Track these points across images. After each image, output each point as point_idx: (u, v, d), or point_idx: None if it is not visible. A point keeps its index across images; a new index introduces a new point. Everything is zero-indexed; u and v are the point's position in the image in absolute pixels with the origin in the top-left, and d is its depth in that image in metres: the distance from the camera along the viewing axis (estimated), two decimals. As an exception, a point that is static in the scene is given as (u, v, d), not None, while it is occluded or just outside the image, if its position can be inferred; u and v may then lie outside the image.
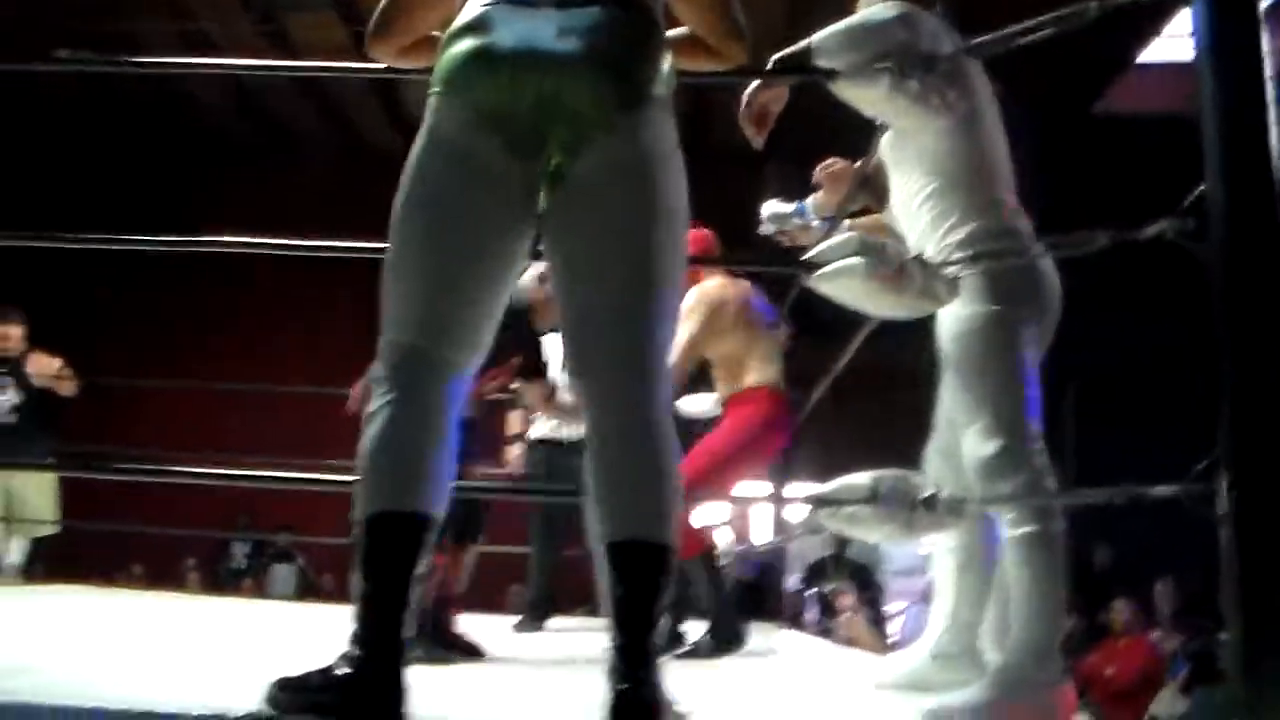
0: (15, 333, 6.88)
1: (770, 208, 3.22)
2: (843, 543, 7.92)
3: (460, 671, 3.11)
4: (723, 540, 6.44)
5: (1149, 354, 8.46)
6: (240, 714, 1.78)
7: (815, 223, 3.17)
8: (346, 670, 1.75)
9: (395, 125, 9.12)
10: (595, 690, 1.71)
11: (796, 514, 8.07)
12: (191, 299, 8.89)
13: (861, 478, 2.49)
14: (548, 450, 5.59)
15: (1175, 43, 8.44)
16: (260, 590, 9.44)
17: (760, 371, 4.04)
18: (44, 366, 6.90)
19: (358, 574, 1.80)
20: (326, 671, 1.78)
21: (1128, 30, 8.19)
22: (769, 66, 2.57)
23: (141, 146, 9.80)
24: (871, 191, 2.98)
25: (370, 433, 1.85)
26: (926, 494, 2.46)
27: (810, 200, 3.17)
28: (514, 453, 5.89)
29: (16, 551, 6.83)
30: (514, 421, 5.93)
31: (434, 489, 1.85)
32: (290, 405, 6.88)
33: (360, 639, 1.77)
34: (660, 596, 1.79)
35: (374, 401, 1.87)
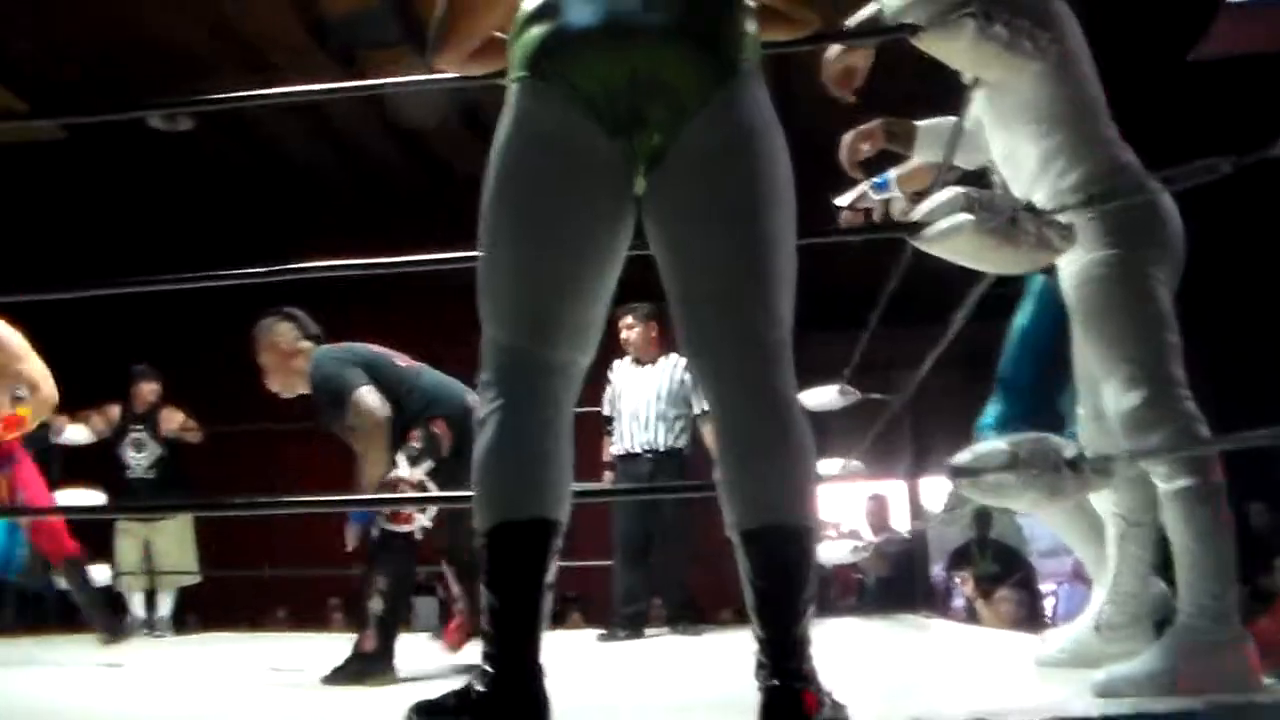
0: (151, 388, 7.13)
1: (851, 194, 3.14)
2: (985, 526, 7.73)
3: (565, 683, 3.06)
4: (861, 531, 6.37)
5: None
6: None
7: (898, 194, 3.08)
8: (481, 688, 1.69)
9: (484, 151, 9.18)
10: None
11: (934, 501, 7.96)
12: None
13: (999, 443, 2.37)
14: (623, 464, 5.85)
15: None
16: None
17: None
18: (171, 420, 7.13)
19: (484, 588, 1.74)
20: (463, 691, 1.72)
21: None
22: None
23: (238, 202, 10.00)
24: (897, 138, 2.90)
25: (484, 440, 1.79)
26: (1070, 454, 2.32)
27: (893, 171, 3.07)
28: (608, 477, 6.01)
29: (165, 605, 7.04)
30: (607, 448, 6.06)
31: (555, 492, 1.78)
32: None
33: (493, 655, 1.71)
34: (806, 584, 1.70)
35: (483, 408, 1.81)
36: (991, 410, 2.94)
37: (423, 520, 3.64)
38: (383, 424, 3.70)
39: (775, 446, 1.74)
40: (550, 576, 1.75)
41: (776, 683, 1.65)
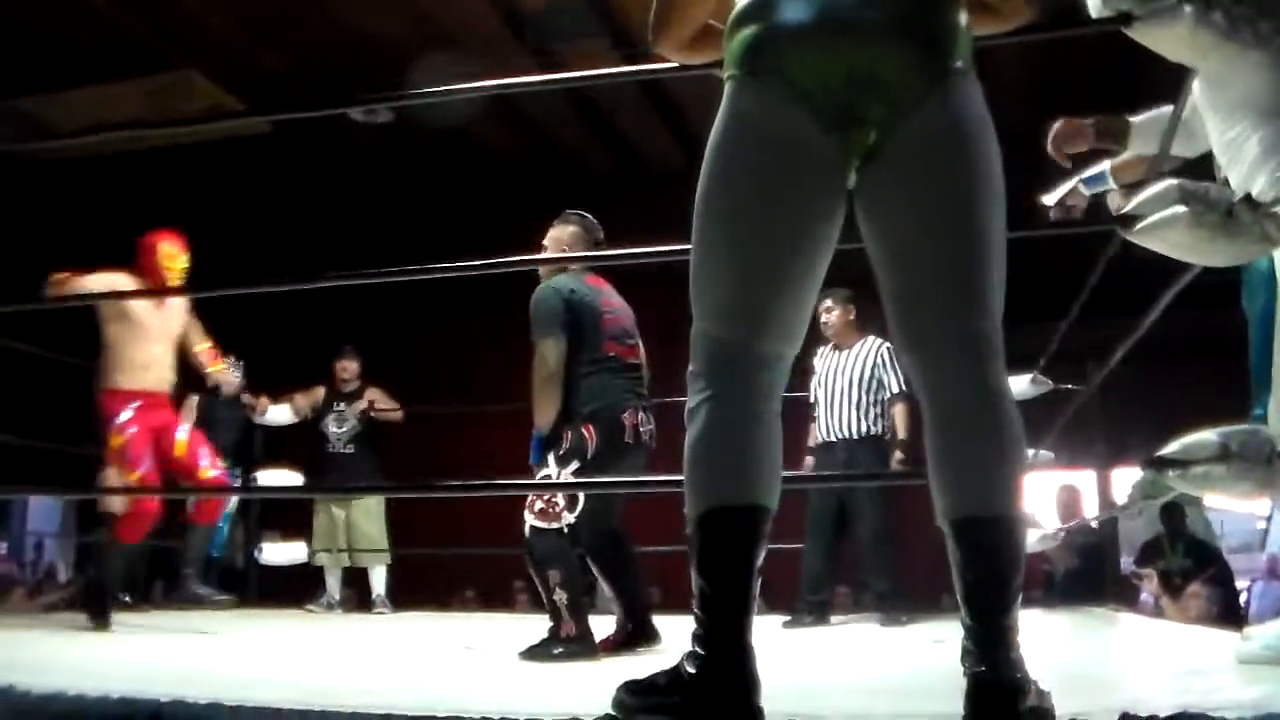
0: (353, 367, 7.45)
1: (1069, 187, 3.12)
2: (1176, 520, 7.52)
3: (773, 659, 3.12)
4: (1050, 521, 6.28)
5: None
6: (591, 718, 1.79)
7: (1113, 187, 3.05)
8: (692, 670, 1.73)
9: (677, 142, 9.23)
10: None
11: (1123, 493, 7.77)
12: (498, 330, 9.21)
13: (1209, 435, 2.34)
14: (821, 452, 5.93)
15: None
16: (593, 608, 9.51)
17: None
18: (373, 398, 7.42)
19: (695, 572, 1.78)
20: (673, 672, 1.77)
21: None
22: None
23: (441, 194, 10.23)
24: (1108, 135, 2.86)
25: (695, 430, 1.83)
26: (1283, 447, 2.29)
27: (1107, 163, 3.04)
28: (808, 462, 6.08)
29: (379, 583, 7.30)
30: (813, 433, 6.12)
31: (766, 480, 1.81)
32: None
33: (704, 638, 1.75)
34: (1015, 573, 1.72)
35: (693, 398, 1.85)
36: (1259, 406, 2.88)
37: (569, 517, 3.77)
38: (553, 378, 3.89)
39: (987, 440, 1.76)
40: (760, 561, 1.79)
41: (984, 669, 1.66)
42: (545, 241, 4.26)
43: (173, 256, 5.27)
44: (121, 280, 5.02)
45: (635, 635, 3.91)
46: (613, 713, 1.78)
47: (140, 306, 5.14)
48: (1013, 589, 1.72)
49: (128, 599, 6.69)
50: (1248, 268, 2.89)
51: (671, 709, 1.72)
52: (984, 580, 1.72)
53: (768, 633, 4.44)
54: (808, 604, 5.75)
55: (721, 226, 1.84)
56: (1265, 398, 2.82)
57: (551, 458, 3.83)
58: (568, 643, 3.64)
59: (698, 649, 1.75)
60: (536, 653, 3.59)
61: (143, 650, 3.87)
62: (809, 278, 1.86)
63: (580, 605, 3.73)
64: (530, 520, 3.78)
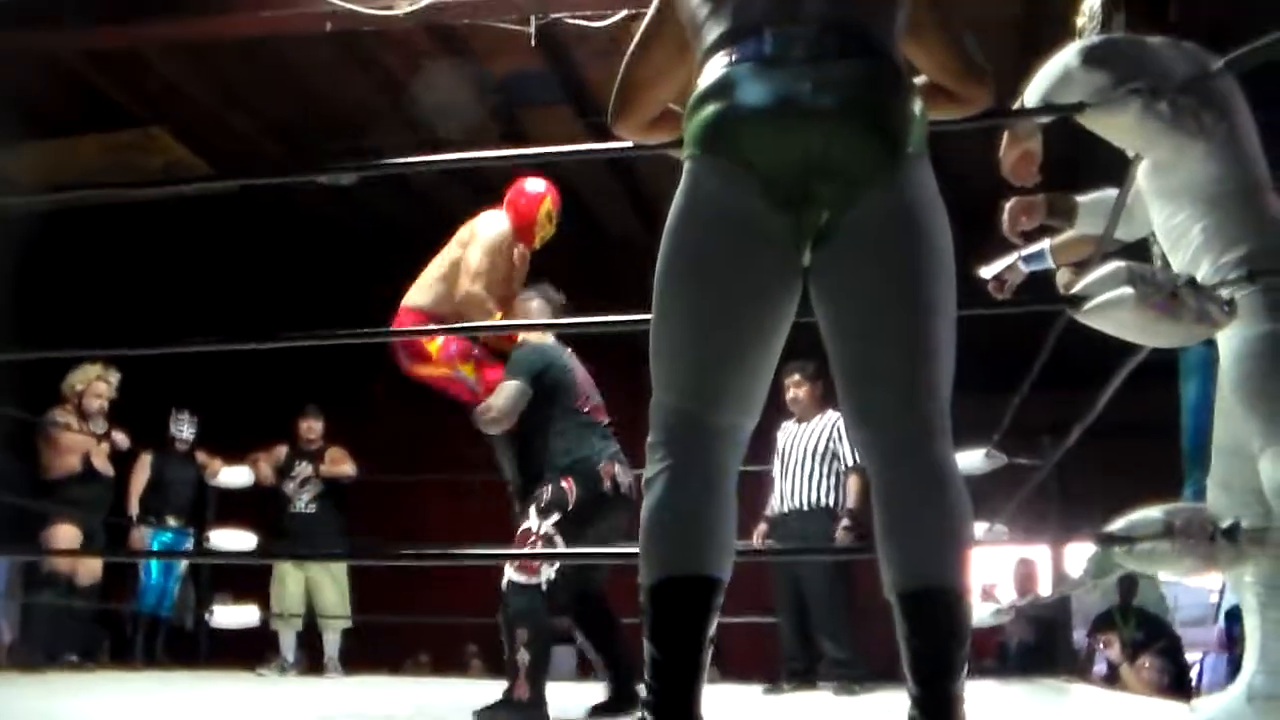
0: (318, 427, 7.38)
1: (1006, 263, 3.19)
2: (1128, 593, 7.61)
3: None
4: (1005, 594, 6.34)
5: None
6: None
7: (1051, 265, 3.13)
8: None
9: (636, 211, 9.31)
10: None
11: (1076, 567, 7.84)
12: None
13: (1153, 512, 2.39)
14: (778, 522, 6.00)
15: None
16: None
17: None
18: (334, 458, 7.40)
19: (647, 640, 1.79)
20: None
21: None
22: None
23: (397, 253, 10.22)
24: (1058, 213, 2.94)
25: (651, 499, 1.84)
26: (1226, 524, 2.34)
27: (1047, 242, 3.12)
28: (761, 528, 6.14)
29: (332, 645, 7.21)
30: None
31: (720, 552, 1.82)
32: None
33: (654, 705, 1.75)
34: (960, 643, 1.74)
35: (651, 467, 1.86)
36: (1190, 484, 2.94)
37: (548, 572, 3.75)
38: (499, 422, 3.98)
39: (933, 513, 1.77)
40: (711, 631, 1.80)
41: None
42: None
43: (551, 219, 4.89)
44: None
45: (622, 700, 3.89)
46: None
47: None
48: (959, 658, 1.73)
49: (74, 659, 6.61)
50: (1182, 353, 2.96)
51: None
52: (929, 650, 1.74)
53: (734, 701, 4.45)
54: (786, 671, 5.83)
55: (679, 301, 1.87)
56: (1196, 477, 2.89)
57: (533, 510, 3.82)
58: (520, 708, 3.61)
59: (647, 715, 1.75)
60: (487, 715, 3.56)
61: (85, 707, 3.82)
62: (765, 352, 1.88)
63: (540, 671, 3.69)
64: (509, 574, 3.75)
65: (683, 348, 1.87)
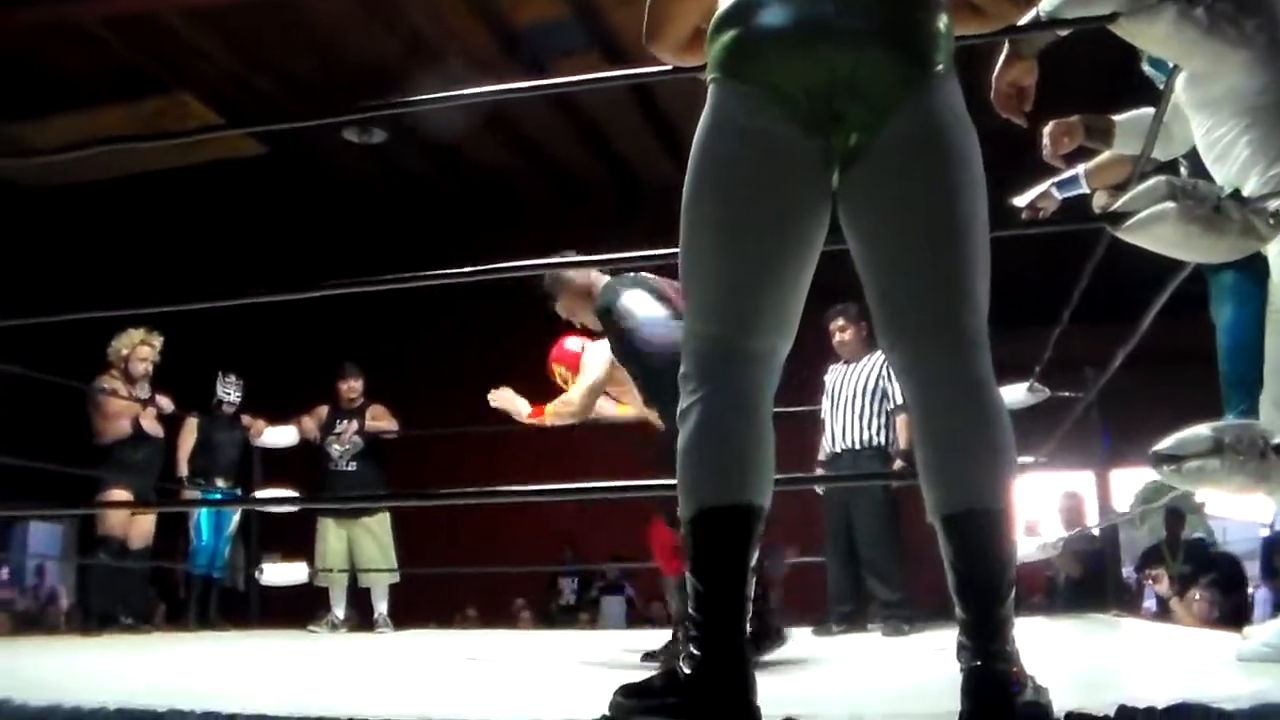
0: (359, 386, 7.43)
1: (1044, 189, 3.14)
2: (1176, 527, 7.56)
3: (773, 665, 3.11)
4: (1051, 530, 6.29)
5: None
6: None
7: (1086, 190, 3.08)
8: (689, 670, 1.72)
9: (674, 160, 9.27)
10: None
11: (1124, 500, 7.78)
12: (492, 342, 9.20)
13: (1202, 429, 2.32)
14: (828, 465, 6.03)
15: None
16: (593, 624, 9.43)
17: None
18: (374, 416, 7.45)
19: (690, 573, 1.77)
20: (669, 674, 1.76)
21: None
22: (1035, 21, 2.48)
23: (430, 211, 10.28)
24: (1095, 134, 2.89)
25: (686, 431, 1.82)
26: (1278, 440, 2.29)
27: (1082, 167, 3.06)
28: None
29: (381, 603, 7.28)
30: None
31: (759, 478, 1.80)
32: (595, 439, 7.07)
33: (698, 638, 1.73)
34: (1006, 565, 1.72)
35: (684, 400, 1.84)
36: (1232, 412, 2.89)
37: None
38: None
39: (975, 432, 1.75)
40: (753, 560, 1.78)
41: (979, 663, 1.65)
42: (561, 305, 4.25)
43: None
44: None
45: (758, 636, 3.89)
46: (609, 715, 1.77)
47: None
48: (1005, 580, 1.71)
49: (129, 621, 6.70)
50: (1214, 278, 2.90)
51: (668, 710, 1.71)
52: (975, 572, 1.72)
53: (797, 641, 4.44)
54: (836, 614, 5.82)
55: (708, 225, 1.84)
56: (1236, 402, 2.84)
57: None
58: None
59: (693, 649, 1.73)
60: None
61: (141, 666, 3.86)
62: (799, 270, 1.85)
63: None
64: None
65: (712, 272, 1.85)
